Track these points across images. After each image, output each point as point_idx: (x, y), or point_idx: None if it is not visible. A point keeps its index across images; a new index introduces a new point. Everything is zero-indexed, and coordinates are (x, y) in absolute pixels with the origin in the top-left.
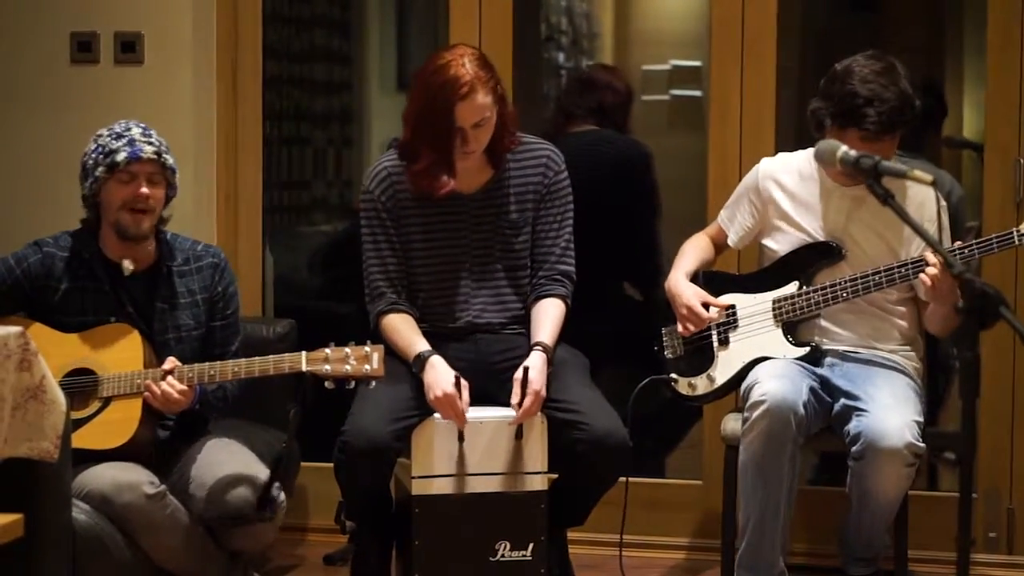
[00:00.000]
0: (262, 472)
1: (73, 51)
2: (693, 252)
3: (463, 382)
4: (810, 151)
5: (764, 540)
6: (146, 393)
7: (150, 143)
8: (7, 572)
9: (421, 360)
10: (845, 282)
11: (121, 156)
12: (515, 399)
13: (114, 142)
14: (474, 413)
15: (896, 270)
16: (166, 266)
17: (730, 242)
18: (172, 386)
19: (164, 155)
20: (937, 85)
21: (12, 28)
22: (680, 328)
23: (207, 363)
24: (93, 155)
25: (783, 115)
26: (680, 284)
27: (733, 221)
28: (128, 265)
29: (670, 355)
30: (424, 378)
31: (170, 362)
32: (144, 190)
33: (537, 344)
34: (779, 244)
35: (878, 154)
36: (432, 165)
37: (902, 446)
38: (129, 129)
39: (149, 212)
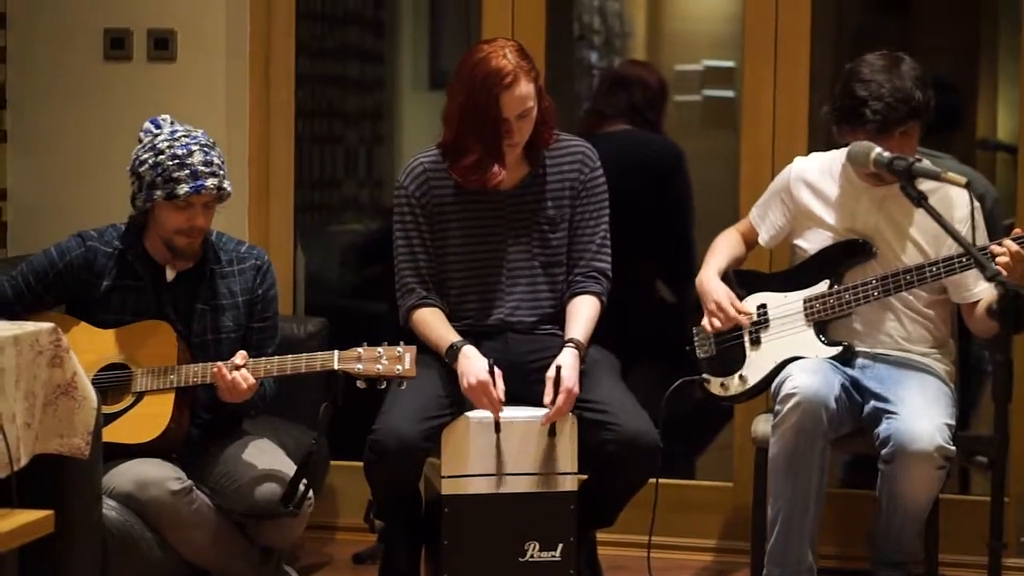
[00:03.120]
0: (289, 469)
1: (107, 48)
2: (725, 248)
3: (497, 370)
4: (843, 151)
5: (793, 534)
6: (215, 371)
7: (213, 174)
8: (38, 568)
9: (454, 350)
10: (876, 281)
11: (183, 190)
12: (547, 398)
13: (177, 169)
14: (505, 413)
15: (927, 269)
16: (209, 269)
17: (761, 241)
18: (245, 378)
19: (223, 185)
20: (949, 83)
21: (46, 25)
22: (706, 324)
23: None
24: (151, 171)
25: (816, 116)
26: (711, 282)
27: (764, 220)
28: (172, 271)
29: (702, 355)
30: (457, 368)
31: (241, 356)
32: (199, 222)
33: (570, 341)
34: (810, 244)
35: (893, 151)
36: (482, 158)
37: (932, 449)
38: (191, 154)
39: (201, 234)
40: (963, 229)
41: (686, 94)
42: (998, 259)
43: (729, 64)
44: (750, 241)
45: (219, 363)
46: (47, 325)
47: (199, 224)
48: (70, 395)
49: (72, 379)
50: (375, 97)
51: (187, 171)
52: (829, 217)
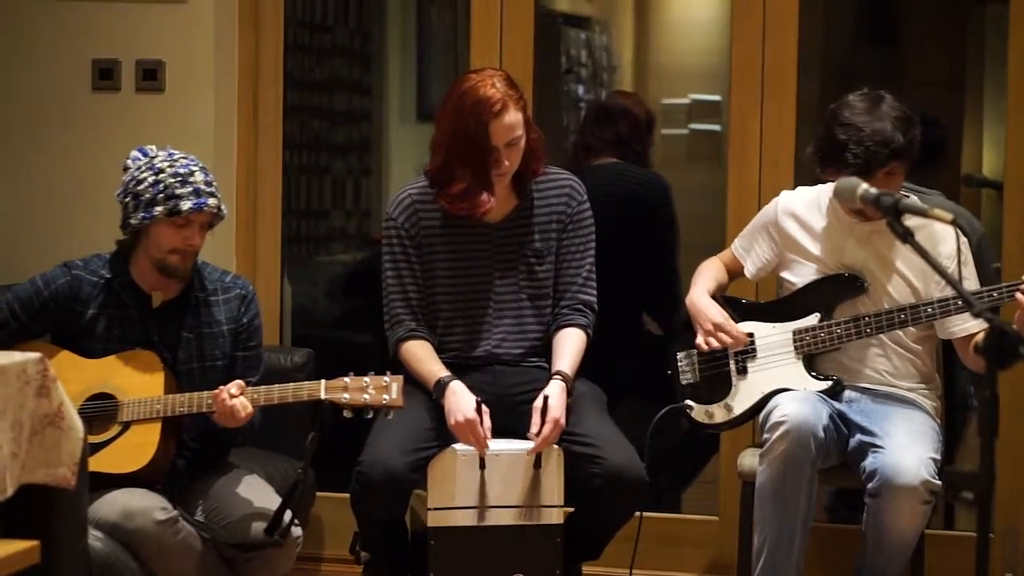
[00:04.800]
0: (274, 501)
1: (95, 78)
2: (711, 273)
3: (484, 408)
4: (829, 186)
5: (779, 564)
6: (215, 394)
7: (213, 195)
8: None
9: (441, 386)
10: (870, 317)
11: (186, 205)
12: (534, 428)
13: (179, 186)
14: (491, 445)
15: (922, 309)
16: (195, 296)
17: (747, 273)
18: (244, 406)
19: (222, 206)
20: (933, 118)
21: (35, 55)
22: (701, 342)
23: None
24: (151, 189)
25: (802, 150)
26: (703, 300)
27: (750, 252)
28: (159, 297)
29: (686, 381)
30: (445, 404)
31: (237, 386)
32: (196, 241)
33: (557, 373)
34: (797, 277)
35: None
36: (470, 186)
37: (918, 483)
38: (193, 174)
39: (195, 254)
40: (949, 265)
41: (673, 127)
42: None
43: (715, 98)
44: (733, 271)
45: (220, 387)
46: (34, 355)
47: (195, 244)
48: (57, 425)
49: (59, 409)
50: (363, 129)
51: (190, 188)
52: (817, 251)
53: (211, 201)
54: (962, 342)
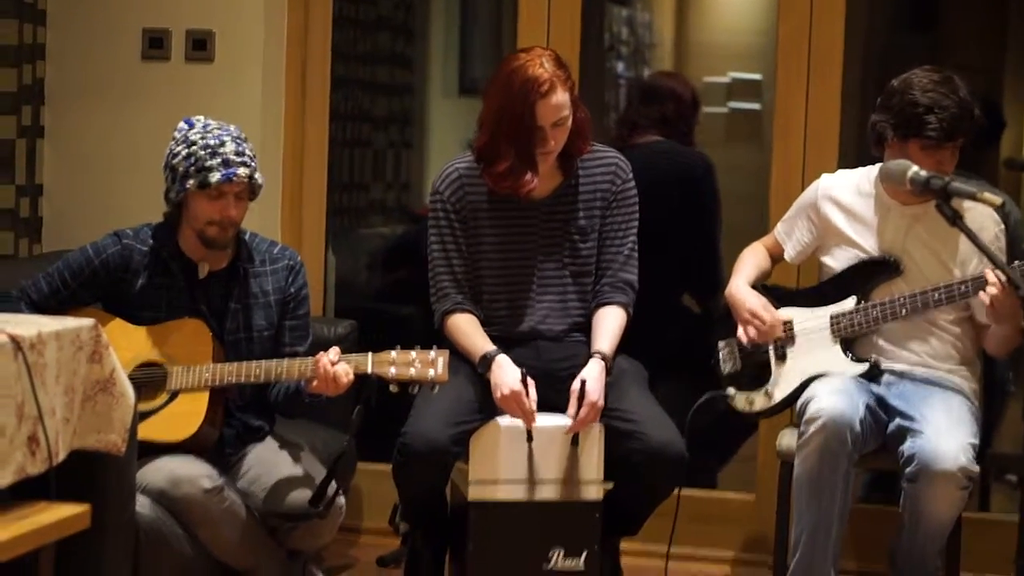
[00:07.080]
0: (320, 473)
1: (145, 47)
2: (752, 261)
3: (530, 380)
4: (870, 168)
5: (816, 555)
6: (318, 366)
7: (244, 164)
8: (73, 563)
9: (487, 360)
10: (904, 298)
11: (215, 177)
12: (571, 411)
13: (209, 158)
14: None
15: (956, 287)
16: (243, 267)
17: (787, 257)
18: (347, 373)
19: (255, 176)
20: (994, 102)
21: (85, 24)
22: (741, 334)
23: (275, 360)
24: (184, 162)
25: (846, 131)
26: (742, 291)
27: (791, 236)
28: (204, 267)
29: (728, 370)
30: (491, 378)
31: (335, 351)
32: (232, 212)
33: (596, 352)
34: (837, 261)
35: (940, 164)
36: (514, 165)
37: (956, 469)
38: (223, 144)
39: (233, 226)
40: (992, 249)
41: (712, 106)
42: (988, 290)
43: (756, 77)
44: (775, 256)
45: (320, 353)
46: (88, 321)
47: (231, 215)
48: (108, 391)
49: (111, 375)
50: (404, 102)
51: (219, 159)
52: (856, 235)
53: (241, 171)
54: (985, 326)
